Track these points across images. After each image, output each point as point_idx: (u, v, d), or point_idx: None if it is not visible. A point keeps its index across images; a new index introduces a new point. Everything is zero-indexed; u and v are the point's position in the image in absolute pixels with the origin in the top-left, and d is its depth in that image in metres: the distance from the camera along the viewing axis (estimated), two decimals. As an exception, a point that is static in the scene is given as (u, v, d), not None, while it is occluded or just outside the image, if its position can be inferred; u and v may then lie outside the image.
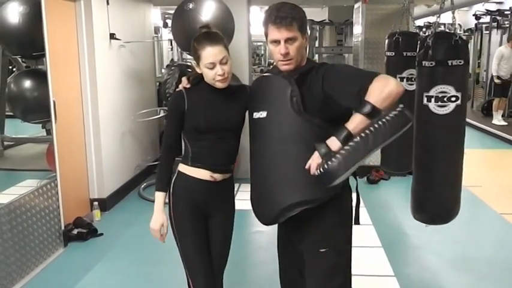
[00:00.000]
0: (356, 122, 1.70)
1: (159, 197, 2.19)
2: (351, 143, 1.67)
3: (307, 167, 1.76)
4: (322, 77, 1.88)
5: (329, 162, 1.67)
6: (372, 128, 1.66)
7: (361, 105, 1.70)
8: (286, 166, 1.92)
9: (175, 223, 2.22)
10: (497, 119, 9.18)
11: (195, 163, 2.17)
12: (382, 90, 1.70)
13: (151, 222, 2.20)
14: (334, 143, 1.71)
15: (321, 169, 1.69)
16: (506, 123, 9.10)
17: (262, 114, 1.97)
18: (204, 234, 2.26)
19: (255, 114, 2.01)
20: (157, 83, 6.43)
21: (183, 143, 2.22)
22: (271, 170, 1.96)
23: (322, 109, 1.88)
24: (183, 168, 2.20)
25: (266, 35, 1.95)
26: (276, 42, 1.90)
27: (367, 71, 1.90)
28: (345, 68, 2.15)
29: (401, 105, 1.69)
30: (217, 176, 2.20)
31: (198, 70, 2.16)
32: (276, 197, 1.94)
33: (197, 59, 2.12)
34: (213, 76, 2.08)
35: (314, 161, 1.74)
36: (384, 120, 1.66)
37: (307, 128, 1.88)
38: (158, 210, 2.19)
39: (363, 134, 1.67)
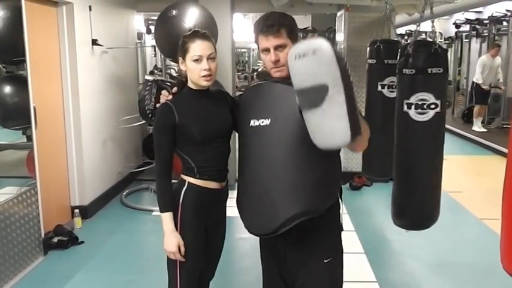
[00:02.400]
0: None
1: (167, 218, 2.11)
2: None
3: None
4: None
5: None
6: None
7: None
8: (295, 174, 1.88)
9: (180, 235, 2.14)
10: (478, 126, 9.30)
11: (202, 176, 2.13)
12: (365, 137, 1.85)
13: (166, 245, 2.11)
14: None
15: None
16: (485, 130, 9.24)
17: (265, 121, 1.92)
18: (203, 253, 2.23)
19: (253, 122, 1.96)
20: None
21: (181, 157, 2.17)
22: (277, 178, 1.90)
23: None
24: (191, 179, 2.15)
25: (257, 45, 1.98)
26: (266, 50, 1.93)
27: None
28: None
29: None
30: (223, 184, 2.21)
31: (182, 67, 2.14)
32: (282, 206, 1.88)
33: (184, 52, 2.09)
34: (199, 71, 2.06)
35: None
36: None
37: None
38: (169, 231, 2.10)
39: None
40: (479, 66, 9.28)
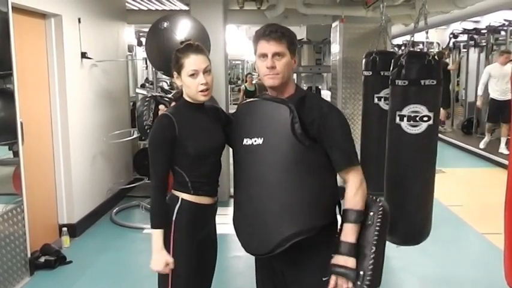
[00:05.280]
0: (350, 232, 1.90)
1: (157, 235, 2.05)
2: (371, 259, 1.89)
3: None
4: (319, 118, 1.92)
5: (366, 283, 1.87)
6: (373, 236, 1.91)
7: (345, 214, 1.92)
8: (288, 194, 1.91)
9: (173, 253, 2.09)
10: (492, 144, 8.14)
11: (197, 191, 2.11)
12: (357, 193, 1.93)
13: (152, 264, 2.06)
14: (348, 260, 1.88)
15: None
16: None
17: (257, 140, 1.94)
18: (196, 271, 2.19)
19: (246, 140, 1.98)
20: (131, 103, 6.37)
21: (174, 172, 2.14)
22: (270, 198, 1.92)
23: (311, 132, 1.92)
24: (185, 196, 2.11)
25: (255, 51, 2.00)
26: (264, 56, 1.95)
27: (353, 149, 2.00)
28: (340, 128, 2.00)
29: (380, 203, 1.96)
30: (215, 199, 2.20)
31: (178, 82, 2.14)
32: (276, 227, 1.90)
33: (179, 68, 2.09)
34: (196, 86, 2.06)
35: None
36: (376, 224, 1.92)
37: (309, 155, 1.91)
38: (158, 250, 2.05)
39: (372, 247, 1.90)
40: (482, 76, 8.34)
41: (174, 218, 2.09)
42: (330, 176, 1.99)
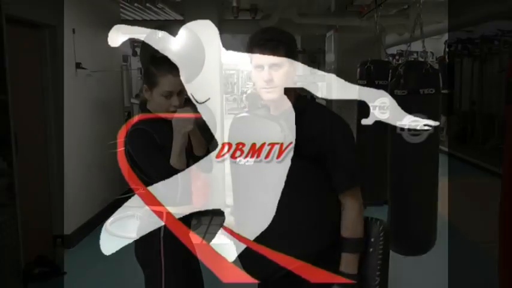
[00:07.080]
0: (352, 263, 1.79)
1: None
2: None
3: None
4: (321, 134, 1.80)
5: None
6: (376, 265, 1.84)
7: (345, 243, 1.79)
8: (285, 219, 1.77)
9: (165, 274, 2.10)
10: None
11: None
12: (357, 221, 1.81)
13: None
14: None
15: None
16: None
17: (249, 161, 1.79)
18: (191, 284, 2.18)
19: (238, 159, 1.84)
20: (126, 113, 6.34)
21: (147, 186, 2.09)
22: (267, 223, 1.79)
23: (309, 151, 1.78)
24: (171, 208, 2.09)
25: (250, 60, 1.82)
26: (260, 67, 1.77)
27: (356, 167, 1.87)
28: (344, 143, 1.88)
29: (381, 227, 1.85)
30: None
31: (146, 96, 2.06)
32: (276, 251, 1.80)
33: (152, 84, 2.02)
34: (167, 107, 1.99)
35: None
36: (379, 252, 1.82)
37: (305, 175, 1.79)
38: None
39: (376, 277, 1.84)
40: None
41: (162, 235, 2.13)
42: (329, 195, 1.84)
